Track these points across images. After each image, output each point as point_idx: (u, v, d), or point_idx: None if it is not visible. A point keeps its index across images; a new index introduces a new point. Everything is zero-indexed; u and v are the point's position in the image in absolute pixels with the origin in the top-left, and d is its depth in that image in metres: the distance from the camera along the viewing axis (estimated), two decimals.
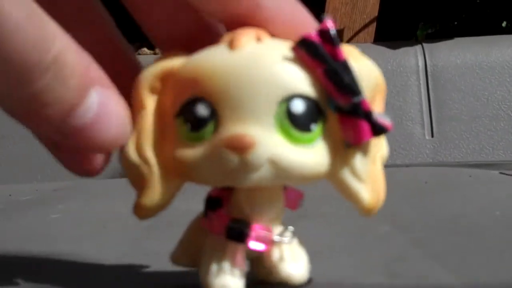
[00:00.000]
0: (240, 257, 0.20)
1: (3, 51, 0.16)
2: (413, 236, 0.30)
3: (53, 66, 0.16)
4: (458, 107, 1.00)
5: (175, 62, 0.20)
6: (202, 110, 0.19)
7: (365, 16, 1.09)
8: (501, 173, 0.56)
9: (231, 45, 0.19)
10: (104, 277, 0.25)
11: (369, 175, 0.19)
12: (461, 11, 1.19)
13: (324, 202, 0.35)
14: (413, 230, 0.31)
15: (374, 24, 1.09)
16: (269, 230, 0.20)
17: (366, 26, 1.09)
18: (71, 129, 0.18)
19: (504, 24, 1.17)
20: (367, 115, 0.18)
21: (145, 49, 1.08)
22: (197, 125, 0.19)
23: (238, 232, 0.20)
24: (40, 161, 0.88)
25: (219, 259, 0.20)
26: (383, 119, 0.19)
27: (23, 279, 0.24)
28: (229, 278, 0.20)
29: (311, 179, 0.19)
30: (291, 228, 0.21)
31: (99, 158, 0.21)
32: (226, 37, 0.19)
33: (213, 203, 0.20)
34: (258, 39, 0.19)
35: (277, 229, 0.20)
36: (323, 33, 0.18)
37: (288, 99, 0.18)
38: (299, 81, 0.18)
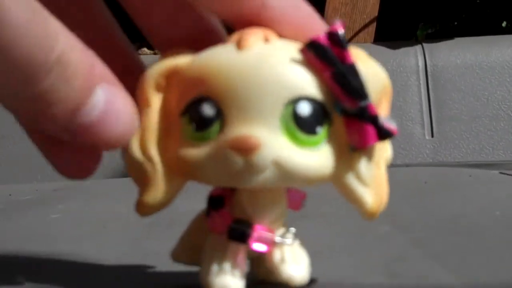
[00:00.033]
0: (241, 257, 0.20)
1: (7, 52, 0.16)
2: (413, 236, 0.30)
3: (57, 65, 0.16)
4: (458, 107, 1.00)
5: (181, 60, 0.20)
6: (208, 109, 0.18)
7: (365, 16, 1.09)
8: (501, 173, 0.56)
9: (239, 45, 0.19)
10: (104, 277, 0.25)
11: (373, 179, 0.19)
12: (461, 11, 1.19)
13: (324, 202, 0.35)
14: (413, 230, 0.31)
15: (374, 24, 1.09)
16: (271, 231, 0.20)
17: (366, 26, 1.09)
18: (78, 127, 0.18)
19: (504, 24, 1.17)
20: (373, 119, 0.18)
21: (145, 49, 1.08)
22: (202, 124, 0.19)
23: (240, 233, 0.20)
24: (40, 161, 0.87)
25: (220, 259, 0.20)
26: (389, 124, 0.19)
27: (23, 279, 0.24)
28: (230, 279, 0.20)
29: (316, 182, 0.19)
30: (293, 229, 0.21)
31: (90, 161, 0.21)
32: (234, 37, 0.19)
33: (216, 202, 0.20)
34: (266, 39, 0.19)
35: (279, 230, 0.20)
36: (332, 35, 0.18)
37: (295, 101, 0.18)
38: (306, 84, 0.18)
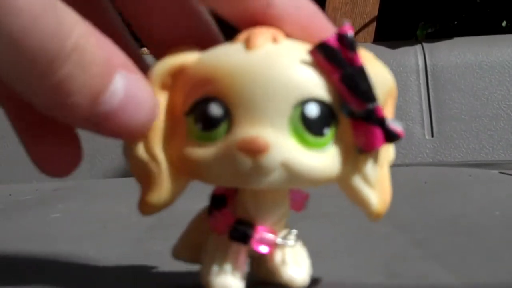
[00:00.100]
0: (243, 258, 0.20)
1: (22, 42, 0.16)
2: (413, 236, 0.30)
3: (73, 53, 0.16)
4: (458, 107, 1.00)
5: (188, 58, 0.19)
6: (215, 109, 0.18)
7: (365, 16, 1.09)
8: (501, 172, 0.56)
9: (247, 45, 0.19)
10: (104, 277, 0.25)
11: (377, 180, 0.19)
12: (461, 11, 1.19)
13: (325, 202, 0.35)
14: (413, 230, 0.31)
15: (374, 24, 1.09)
16: (273, 233, 0.20)
17: (366, 25, 1.09)
18: (99, 116, 0.17)
19: (504, 24, 1.17)
20: (381, 122, 0.18)
21: (145, 49, 1.08)
22: (209, 124, 0.18)
23: (242, 233, 0.20)
24: None
25: (221, 259, 0.20)
26: (396, 126, 0.19)
27: (23, 279, 0.24)
28: (230, 279, 0.19)
29: (322, 183, 0.19)
30: (294, 231, 0.21)
31: (70, 158, 0.21)
32: (242, 36, 0.19)
33: (218, 201, 0.20)
34: (274, 39, 0.19)
35: (281, 232, 0.20)
36: (342, 37, 0.18)
37: (303, 102, 0.18)
38: (315, 85, 0.18)
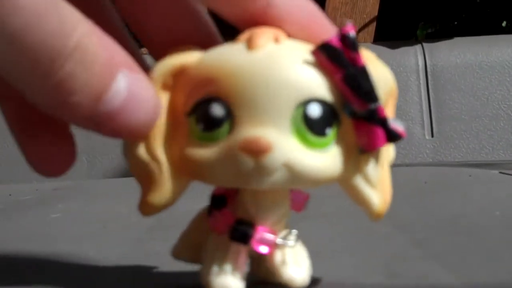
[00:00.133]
0: (243, 258, 0.20)
1: (24, 40, 0.16)
2: (413, 236, 0.30)
3: (76, 52, 0.16)
4: (458, 107, 1.00)
5: (189, 58, 0.19)
6: (217, 110, 0.18)
7: (365, 16, 1.09)
8: (501, 172, 0.56)
9: (249, 45, 0.19)
10: (104, 277, 0.25)
11: (379, 180, 0.19)
12: (461, 11, 1.19)
13: (325, 202, 0.35)
14: (413, 230, 0.31)
15: (374, 24, 1.09)
16: (274, 233, 0.20)
17: (366, 25, 1.09)
18: (101, 116, 0.17)
19: (504, 24, 1.17)
20: (383, 122, 0.18)
21: (145, 49, 1.08)
22: (211, 125, 0.18)
23: (242, 234, 0.20)
24: None
25: (221, 259, 0.20)
26: (397, 126, 0.19)
27: (23, 279, 0.24)
28: (230, 279, 0.19)
29: (324, 183, 0.19)
30: (295, 231, 0.21)
31: (64, 157, 0.21)
32: (243, 36, 0.19)
33: (218, 201, 0.20)
34: (276, 39, 0.19)
35: (281, 232, 0.20)
36: (344, 37, 0.18)
37: (305, 103, 0.18)
38: (317, 85, 0.18)
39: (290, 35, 0.20)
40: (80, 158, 0.94)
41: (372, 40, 1.10)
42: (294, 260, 0.20)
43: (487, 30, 1.13)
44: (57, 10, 0.16)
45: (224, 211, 0.20)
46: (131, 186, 0.20)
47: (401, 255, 0.26)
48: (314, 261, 0.21)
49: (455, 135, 0.99)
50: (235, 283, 0.19)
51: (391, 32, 1.14)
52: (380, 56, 0.20)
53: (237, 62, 0.18)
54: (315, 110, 0.18)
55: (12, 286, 0.23)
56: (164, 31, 0.21)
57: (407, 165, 0.76)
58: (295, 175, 0.18)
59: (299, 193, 0.22)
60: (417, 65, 1.01)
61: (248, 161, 0.18)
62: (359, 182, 0.19)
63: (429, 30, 1.12)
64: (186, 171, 0.19)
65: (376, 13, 1.09)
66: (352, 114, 0.18)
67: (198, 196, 0.22)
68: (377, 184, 0.19)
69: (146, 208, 0.19)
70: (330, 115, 0.18)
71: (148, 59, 0.22)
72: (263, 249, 0.20)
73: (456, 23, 1.19)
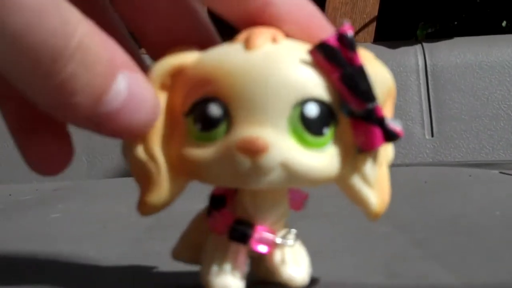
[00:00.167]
0: (242, 258, 0.20)
1: (25, 40, 0.16)
2: (413, 236, 0.30)
3: (77, 52, 0.16)
4: (458, 107, 1.00)
5: (187, 58, 0.19)
6: (214, 110, 0.18)
7: (365, 16, 1.09)
8: (501, 172, 0.56)
9: (247, 45, 0.19)
10: (104, 277, 0.25)
11: (376, 180, 0.19)
12: (461, 11, 1.19)
13: (325, 202, 0.35)
14: (413, 230, 0.31)
15: (374, 24, 1.09)
16: (273, 232, 0.20)
17: (366, 25, 1.09)
18: (102, 116, 0.17)
19: (504, 24, 1.17)
20: (380, 122, 0.18)
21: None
22: (208, 125, 0.18)
23: (241, 233, 0.20)
24: None
25: (221, 259, 0.20)
26: (395, 126, 0.19)
27: (23, 279, 0.24)
28: (230, 279, 0.19)
29: (321, 183, 0.19)
30: (294, 230, 0.21)
31: (61, 156, 0.21)
32: (241, 36, 0.19)
33: (217, 201, 0.20)
34: (274, 39, 0.19)
35: (281, 231, 0.20)
36: (341, 37, 0.18)
37: (303, 102, 0.18)
38: (315, 85, 0.18)
39: (289, 35, 0.20)
40: (80, 158, 0.94)
41: (372, 40, 1.10)
42: (293, 260, 0.20)
43: (487, 30, 1.13)
44: (58, 10, 0.16)
45: (223, 211, 0.20)
46: (131, 186, 0.20)
47: (401, 255, 0.26)
48: (314, 261, 0.21)
49: (455, 135, 0.99)
50: (235, 283, 0.20)
51: (391, 32, 1.14)
52: (380, 56, 0.20)
53: (235, 62, 0.18)
54: (312, 110, 0.18)
55: (12, 286, 0.23)
56: (162, 31, 0.21)
57: (407, 165, 0.76)
58: (292, 175, 0.18)
59: (298, 192, 0.22)
60: (417, 65, 1.01)
61: (245, 161, 0.18)
62: (357, 181, 0.19)
63: (429, 30, 1.12)
64: (184, 171, 0.19)
65: (376, 13, 1.09)
66: (349, 113, 0.18)
67: (197, 197, 0.22)
68: (375, 184, 0.19)
69: (144, 208, 0.19)
70: (328, 115, 0.18)
71: (148, 59, 0.22)
72: (263, 249, 0.20)
73: (456, 23, 1.19)
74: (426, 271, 0.23)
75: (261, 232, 0.20)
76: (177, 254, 0.22)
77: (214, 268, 0.20)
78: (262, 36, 0.19)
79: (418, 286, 0.22)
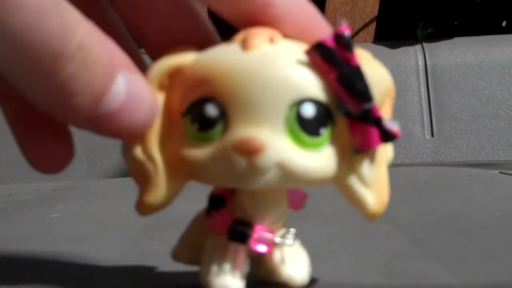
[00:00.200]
0: (242, 258, 0.20)
1: (25, 41, 0.16)
2: (413, 236, 0.30)
3: (77, 53, 0.16)
4: (458, 107, 1.00)
5: (185, 59, 0.19)
6: (211, 110, 0.18)
7: (365, 16, 1.09)
8: (501, 172, 0.56)
9: (244, 45, 0.19)
10: (104, 277, 0.25)
11: (374, 180, 0.19)
12: (461, 11, 1.19)
13: (324, 202, 0.35)
14: (413, 230, 0.31)
15: (374, 24, 1.09)
16: (272, 232, 0.20)
17: (366, 25, 1.09)
18: (101, 117, 0.17)
19: (504, 24, 1.17)
20: (377, 122, 0.18)
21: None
22: (205, 125, 0.18)
23: (240, 233, 0.20)
24: None
25: (220, 259, 0.20)
26: (392, 126, 0.19)
27: (23, 279, 0.24)
28: (230, 279, 0.20)
29: (318, 183, 0.19)
30: (293, 230, 0.21)
31: (62, 154, 0.21)
32: (239, 36, 0.19)
33: (216, 202, 0.20)
34: (271, 40, 0.19)
35: (280, 231, 0.20)
36: (338, 37, 0.18)
37: (299, 103, 0.18)
38: (311, 85, 0.18)
39: (287, 35, 0.20)
40: (80, 158, 0.94)
41: (372, 40, 1.10)
42: (293, 259, 0.20)
43: (487, 30, 1.13)
44: (58, 10, 0.16)
45: (222, 212, 0.20)
46: (131, 186, 0.20)
47: (401, 255, 0.26)
48: (313, 261, 0.21)
49: (455, 135, 0.99)
50: (235, 283, 0.20)
51: (391, 32, 1.15)
52: (380, 56, 0.20)
53: (232, 63, 0.18)
54: (308, 110, 0.18)
55: (12, 286, 0.23)
56: (162, 31, 0.21)
57: (407, 165, 0.76)
58: (288, 175, 0.18)
59: (297, 192, 0.22)
60: (417, 65, 1.01)
61: (241, 161, 0.18)
62: (354, 182, 0.19)
63: (429, 30, 1.12)
64: (181, 171, 0.19)
65: (376, 13, 1.09)
66: (346, 114, 0.18)
67: (196, 197, 0.22)
68: (373, 184, 0.19)
69: (143, 207, 0.20)
70: (324, 115, 0.18)
71: (148, 59, 0.22)
72: (262, 248, 0.20)
73: (456, 23, 1.19)
74: (426, 271, 0.23)
75: (260, 231, 0.20)
76: (177, 254, 0.22)
77: (214, 268, 0.20)
78: (259, 37, 0.19)
79: (418, 286, 0.22)
